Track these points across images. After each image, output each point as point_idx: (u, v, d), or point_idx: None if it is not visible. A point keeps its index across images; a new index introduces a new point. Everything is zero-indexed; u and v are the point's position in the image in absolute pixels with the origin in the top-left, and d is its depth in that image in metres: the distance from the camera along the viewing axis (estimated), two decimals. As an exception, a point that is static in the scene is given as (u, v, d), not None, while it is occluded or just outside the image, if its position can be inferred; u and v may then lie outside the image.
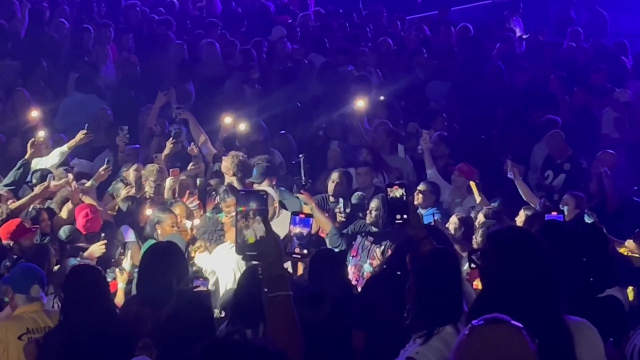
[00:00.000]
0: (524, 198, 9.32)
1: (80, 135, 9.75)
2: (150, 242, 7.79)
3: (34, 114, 10.23)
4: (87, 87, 11.90)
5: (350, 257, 8.22)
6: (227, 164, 9.44)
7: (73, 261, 7.31)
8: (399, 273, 4.96)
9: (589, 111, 12.44)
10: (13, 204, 8.41)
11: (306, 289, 5.37)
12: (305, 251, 4.28)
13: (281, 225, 6.25)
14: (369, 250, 8.18)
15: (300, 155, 9.22)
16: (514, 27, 16.00)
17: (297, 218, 4.29)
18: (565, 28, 15.88)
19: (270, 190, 8.62)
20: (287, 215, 7.21)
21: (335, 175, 9.33)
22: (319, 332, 4.32)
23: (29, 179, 9.33)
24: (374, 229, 8.27)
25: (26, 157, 9.30)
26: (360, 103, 11.32)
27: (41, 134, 9.62)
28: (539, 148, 11.37)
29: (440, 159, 10.55)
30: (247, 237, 3.57)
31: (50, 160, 9.59)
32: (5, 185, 9.00)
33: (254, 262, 3.98)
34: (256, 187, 8.95)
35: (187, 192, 9.20)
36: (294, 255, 4.28)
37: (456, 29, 15.28)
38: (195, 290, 6.03)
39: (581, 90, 12.83)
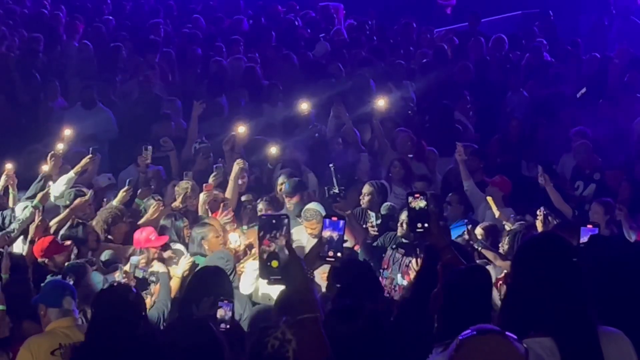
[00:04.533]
0: (555, 205, 9.23)
1: (85, 159, 9.50)
2: (199, 258, 7.82)
3: (67, 132, 10.23)
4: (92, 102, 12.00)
5: (381, 270, 8.16)
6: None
7: (97, 276, 7.31)
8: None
9: (620, 121, 12.31)
10: (53, 221, 8.41)
11: (340, 303, 5.31)
12: (339, 254, 4.21)
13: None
14: (400, 262, 8.11)
15: (331, 165, 9.15)
16: (543, 38, 15.89)
17: (328, 221, 4.20)
18: (597, 37, 15.77)
19: (319, 207, 8.52)
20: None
21: (367, 189, 9.26)
22: (353, 346, 4.26)
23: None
24: (405, 241, 8.20)
25: (46, 170, 9.28)
26: (381, 102, 11.15)
27: (60, 146, 9.53)
28: (567, 159, 11.32)
29: (475, 173, 10.43)
30: (271, 261, 3.58)
31: (57, 187, 9.24)
32: (27, 198, 8.97)
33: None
34: (288, 200, 9.00)
35: (222, 204, 9.11)
36: (327, 259, 4.21)
37: (490, 40, 15.19)
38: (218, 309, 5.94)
39: (607, 102, 12.71)
